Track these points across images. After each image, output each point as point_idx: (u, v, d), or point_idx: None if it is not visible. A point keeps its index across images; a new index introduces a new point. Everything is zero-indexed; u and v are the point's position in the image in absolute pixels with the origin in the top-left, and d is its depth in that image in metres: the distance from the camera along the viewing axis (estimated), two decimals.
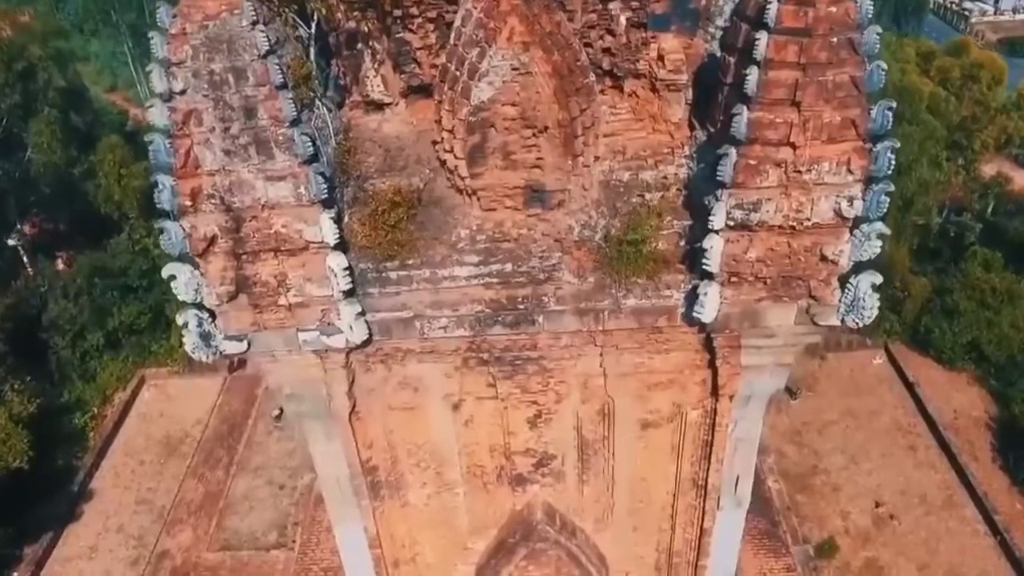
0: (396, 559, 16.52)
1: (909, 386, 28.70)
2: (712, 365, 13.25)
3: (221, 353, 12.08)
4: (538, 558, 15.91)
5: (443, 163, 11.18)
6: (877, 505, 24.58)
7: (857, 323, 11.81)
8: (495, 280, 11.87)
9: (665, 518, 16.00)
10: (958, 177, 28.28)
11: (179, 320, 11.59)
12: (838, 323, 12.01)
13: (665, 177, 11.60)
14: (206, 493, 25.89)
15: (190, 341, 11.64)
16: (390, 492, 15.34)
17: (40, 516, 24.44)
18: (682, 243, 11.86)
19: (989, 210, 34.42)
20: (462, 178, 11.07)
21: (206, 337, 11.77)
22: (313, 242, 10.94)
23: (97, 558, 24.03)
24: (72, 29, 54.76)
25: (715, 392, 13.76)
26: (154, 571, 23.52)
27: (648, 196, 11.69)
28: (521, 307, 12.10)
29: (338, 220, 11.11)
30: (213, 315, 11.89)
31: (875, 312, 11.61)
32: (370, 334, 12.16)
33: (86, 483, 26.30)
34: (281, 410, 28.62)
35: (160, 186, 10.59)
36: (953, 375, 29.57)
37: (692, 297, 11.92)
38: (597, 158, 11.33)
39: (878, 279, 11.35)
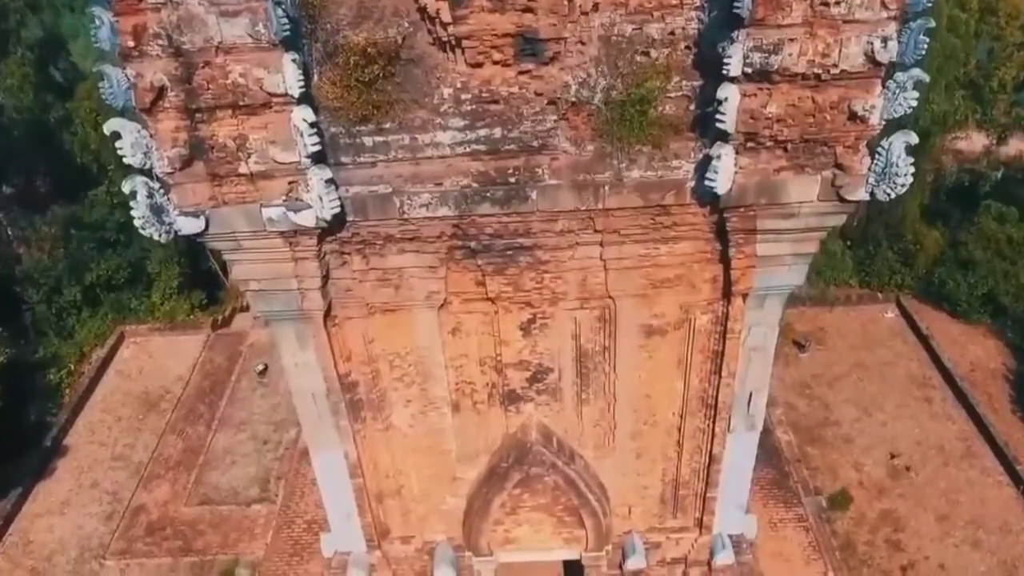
0: (380, 491, 15.25)
1: (923, 338, 27.41)
2: (724, 258, 11.98)
3: (176, 232, 10.80)
4: (533, 485, 14.66)
5: (423, 11, 9.87)
6: (892, 456, 23.33)
7: (888, 194, 10.53)
8: (483, 148, 10.60)
9: (671, 443, 14.73)
10: (975, 116, 27.04)
11: (125, 188, 10.32)
12: (867, 196, 10.75)
13: (672, 32, 10.30)
14: (185, 448, 24.59)
15: (139, 214, 10.37)
16: (372, 413, 14.06)
17: (10, 473, 23.16)
18: (691, 107, 10.59)
19: (999, 174, 33.22)
20: (444, 25, 9.77)
21: (157, 211, 10.49)
22: (276, 95, 9.66)
23: (69, 514, 22.74)
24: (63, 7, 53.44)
25: (727, 292, 12.51)
26: (128, 526, 22.21)
27: (654, 53, 10.40)
28: (512, 181, 10.83)
29: (305, 75, 9.84)
30: (167, 188, 10.63)
31: (909, 180, 10.33)
32: (343, 212, 10.90)
33: (60, 439, 25.00)
34: (266, 366, 27.38)
35: (97, 22, 9.32)
36: (968, 328, 28.30)
37: (703, 168, 10.66)
38: (596, 5, 10.03)
39: (913, 138, 10.05)
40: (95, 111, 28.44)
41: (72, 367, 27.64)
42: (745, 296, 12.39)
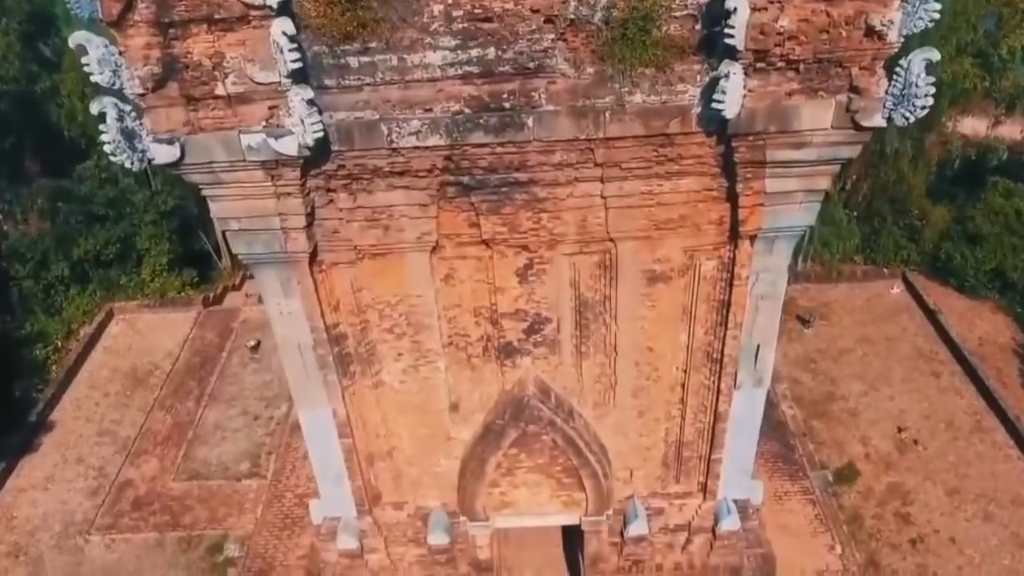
0: (370, 453, 14.61)
1: (930, 313, 26.78)
2: (731, 196, 11.34)
3: (149, 161, 10.15)
4: (530, 444, 14.04)
5: None
6: (900, 430, 22.69)
7: (907, 117, 9.89)
8: (475, 70, 9.95)
9: (674, 401, 14.10)
10: (984, 83, 26.40)
11: (93, 108, 9.69)
12: (883, 122, 10.12)
13: None
14: (174, 424, 23.93)
15: (109, 137, 9.72)
16: (361, 367, 13.42)
17: None
18: (697, 26, 9.93)
19: (1005, 152, 32.57)
20: None
21: (129, 136, 9.84)
22: (254, 7, 9.01)
23: (53, 489, 22.09)
24: None
25: (734, 235, 11.87)
26: (115, 501, 21.56)
27: None
28: (507, 106, 10.18)
29: None
30: (139, 112, 10.00)
31: (930, 102, 9.69)
32: (328, 141, 10.26)
33: (45, 415, 24.34)
34: (258, 342, 26.73)
35: None
36: (976, 304, 27.69)
37: (709, 93, 10.01)
38: None
39: (935, 55, 9.42)
40: (83, 82, 27.73)
41: (59, 343, 26.99)
42: (753, 239, 11.76)
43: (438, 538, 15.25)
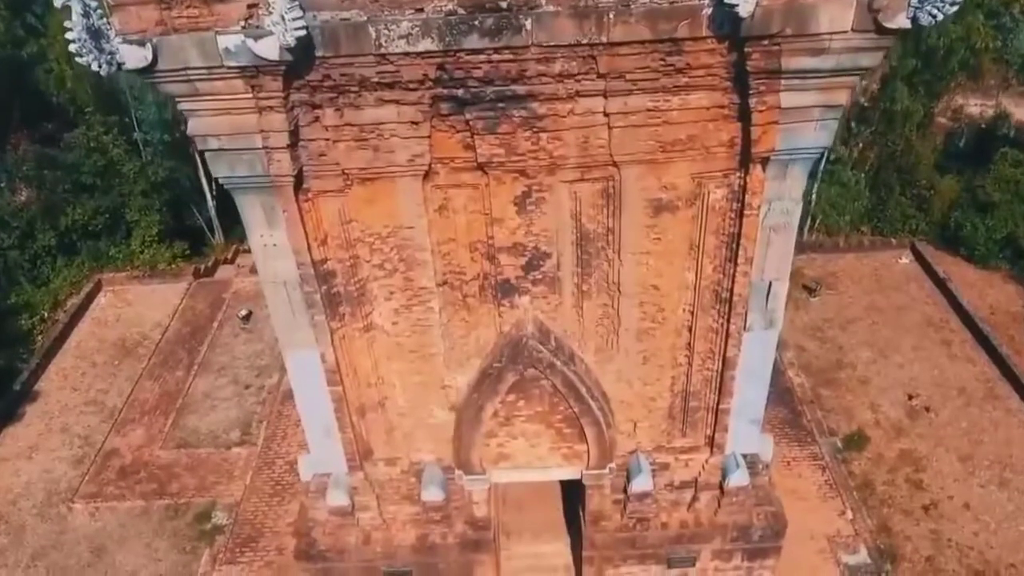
0: (361, 404, 13.90)
1: (940, 283, 26.12)
2: (743, 114, 10.64)
3: (118, 64, 9.44)
4: (528, 390, 13.34)
5: None
6: (910, 397, 22.04)
7: (934, 16, 9.19)
8: None
9: (681, 346, 13.39)
10: (995, 42, 25.66)
11: (56, 1, 8.97)
12: (907, 23, 9.43)
13: None
14: (163, 393, 23.24)
15: (74, 35, 9.02)
16: (351, 308, 12.70)
17: None
18: None
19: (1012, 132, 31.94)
20: None
21: (95, 35, 9.13)
22: None
23: (37, 458, 21.40)
24: None
25: (745, 159, 11.17)
26: (99, 470, 20.87)
27: None
28: (503, 6, 9.46)
29: None
30: (107, 10, 9.30)
31: (958, 2, 9.02)
32: (312, 45, 9.55)
33: (30, 384, 23.65)
34: (250, 312, 26.05)
35: None
36: (986, 273, 27.04)
37: None
38: None
39: None
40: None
41: (45, 314, 26.30)
42: (765, 163, 11.06)
43: (432, 494, 14.56)
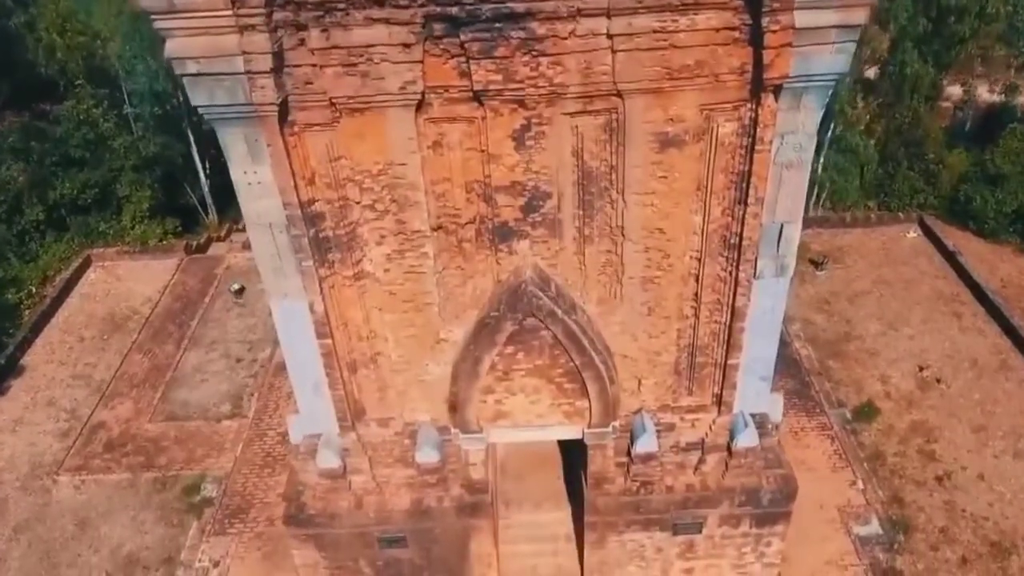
0: (353, 359, 13.26)
1: (949, 256, 25.56)
2: (755, 38, 10.02)
3: None
4: (528, 341, 12.70)
5: None
6: (921, 369, 21.46)
7: None
8: None
9: (688, 296, 12.75)
10: (1006, 7, 25.05)
11: None
12: None
13: None
14: (152, 367, 22.64)
15: None
16: (340, 254, 12.06)
17: None
18: None
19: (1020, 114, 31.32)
20: None
21: None
22: None
23: (21, 431, 20.81)
24: None
25: (756, 88, 10.55)
26: (86, 443, 20.27)
27: None
28: None
29: None
30: None
31: None
32: None
33: (16, 357, 23.08)
34: (243, 286, 25.42)
35: None
36: (996, 247, 26.48)
37: None
38: None
39: None
40: (61, 17, 26.38)
41: (33, 289, 25.71)
42: (778, 92, 10.43)
43: (427, 456, 13.93)
